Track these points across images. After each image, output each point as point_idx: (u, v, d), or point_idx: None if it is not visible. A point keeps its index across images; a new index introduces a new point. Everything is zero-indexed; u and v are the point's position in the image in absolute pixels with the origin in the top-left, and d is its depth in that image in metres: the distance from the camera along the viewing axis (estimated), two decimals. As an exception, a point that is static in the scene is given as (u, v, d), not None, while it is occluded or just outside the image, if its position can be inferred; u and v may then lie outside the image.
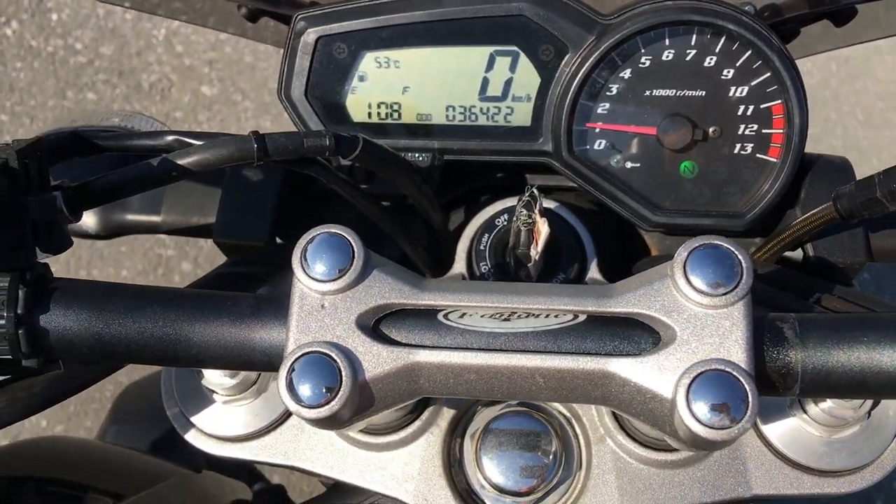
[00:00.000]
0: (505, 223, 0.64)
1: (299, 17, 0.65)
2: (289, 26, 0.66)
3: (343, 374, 0.43)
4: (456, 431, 0.60)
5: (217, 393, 0.61)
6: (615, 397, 0.43)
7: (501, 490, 0.56)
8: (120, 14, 2.62)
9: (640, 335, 0.43)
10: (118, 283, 0.47)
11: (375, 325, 0.45)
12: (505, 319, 0.44)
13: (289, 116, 0.66)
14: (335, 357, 0.43)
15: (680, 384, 0.41)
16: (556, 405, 0.60)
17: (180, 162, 0.51)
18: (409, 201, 0.65)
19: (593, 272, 0.63)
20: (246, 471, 0.97)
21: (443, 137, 0.65)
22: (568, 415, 0.60)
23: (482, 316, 0.44)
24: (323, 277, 0.44)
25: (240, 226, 0.66)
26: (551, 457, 0.57)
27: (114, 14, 2.62)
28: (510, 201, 0.66)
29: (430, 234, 0.70)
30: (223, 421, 0.61)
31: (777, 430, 0.57)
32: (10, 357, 0.44)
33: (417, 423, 0.59)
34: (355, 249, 0.45)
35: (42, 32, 2.55)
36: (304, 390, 0.43)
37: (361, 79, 0.65)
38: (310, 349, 0.43)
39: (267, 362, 0.45)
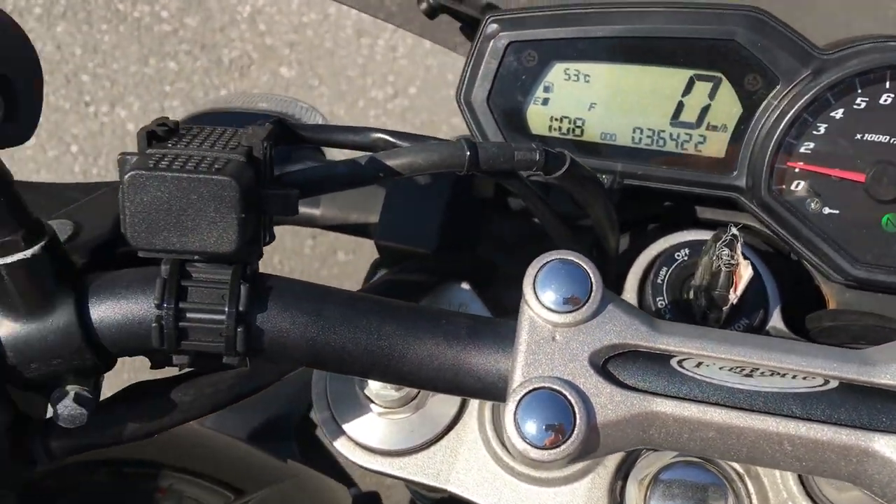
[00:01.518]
0: (685, 258, 0.61)
1: (491, 19, 0.62)
2: (475, 28, 0.63)
3: (577, 415, 0.39)
4: (619, 474, 0.57)
5: (375, 403, 0.58)
6: (870, 477, 0.39)
7: None
8: (208, -13, 2.61)
9: None
10: (328, 287, 0.44)
11: (604, 365, 0.42)
12: (747, 375, 0.41)
13: (465, 122, 0.63)
14: (569, 396, 0.40)
15: None
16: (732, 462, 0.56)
17: (388, 163, 0.48)
18: (579, 221, 0.62)
19: (776, 320, 0.60)
20: (335, 470, 0.94)
21: (626, 160, 0.62)
22: (741, 471, 0.56)
23: (720, 368, 0.41)
24: (556, 308, 0.41)
25: (406, 230, 0.63)
26: None
27: (202, -14, 2.61)
28: (690, 235, 0.62)
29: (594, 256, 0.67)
30: (377, 433, 0.58)
31: None
32: (215, 352, 0.42)
33: (584, 462, 0.56)
34: (593, 281, 0.42)
35: (131, -3, 2.55)
36: (532, 428, 0.40)
37: (547, 90, 0.62)
38: (541, 384, 0.40)
39: (484, 390, 0.43)
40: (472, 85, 0.63)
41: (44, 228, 0.41)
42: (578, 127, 0.63)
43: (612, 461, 0.56)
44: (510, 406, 0.40)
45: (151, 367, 0.46)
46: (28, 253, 0.40)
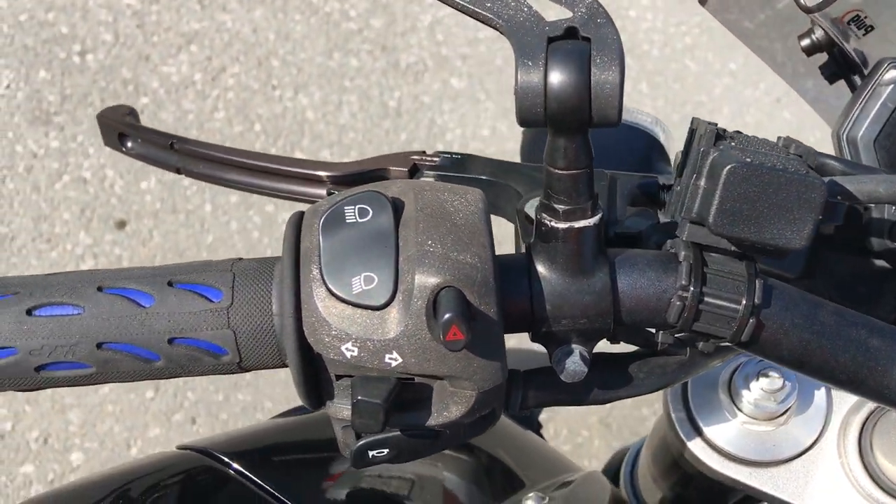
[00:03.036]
0: None
1: (892, 63, 0.64)
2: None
3: None
4: None
5: (743, 412, 0.60)
6: None
7: None
8: (402, -8, 2.70)
9: None
10: (821, 300, 0.46)
11: None
12: None
13: (843, 156, 0.65)
14: None
15: None
16: None
17: (849, 188, 0.50)
18: None
19: None
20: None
21: None
22: None
23: None
24: None
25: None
26: None
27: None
28: None
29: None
30: (737, 440, 0.60)
31: None
32: (720, 336, 0.44)
33: None
34: None
35: (326, -8, 2.65)
36: None
37: (935, 140, 0.64)
38: None
39: None
40: (860, 122, 0.65)
41: (601, 205, 0.44)
42: (960, 179, 0.64)
43: None
44: None
45: (611, 342, 0.49)
46: (591, 221, 0.43)
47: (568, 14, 0.41)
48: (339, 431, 0.46)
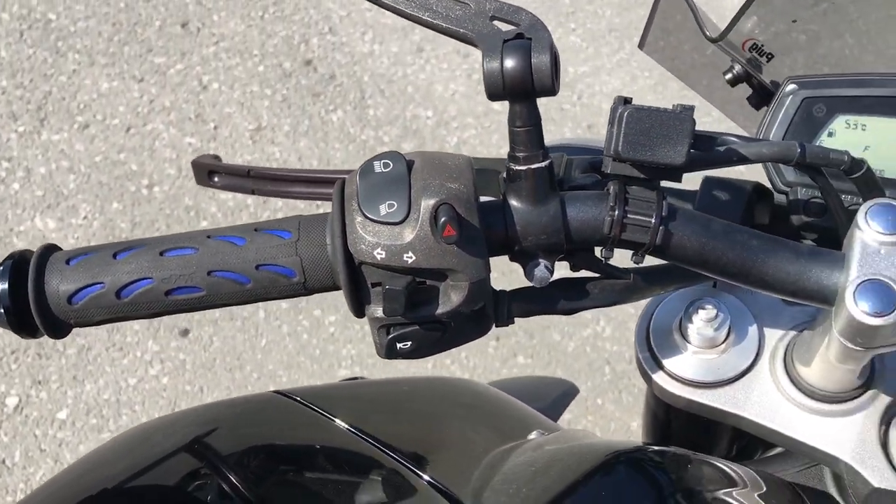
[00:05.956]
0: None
1: (791, 80, 0.84)
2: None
3: None
4: (884, 418, 0.72)
5: (692, 343, 0.76)
6: None
7: None
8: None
9: None
10: (712, 217, 0.64)
11: None
12: None
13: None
14: (893, 286, 0.58)
15: None
16: None
17: (742, 151, 0.69)
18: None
19: None
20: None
21: (892, 189, 0.81)
22: None
23: None
24: (883, 231, 0.60)
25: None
26: None
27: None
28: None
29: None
30: (689, 368, 0.76)
31: None
32: (641, 244, 0.62)
33: (858, 402, 0.71)
34: None
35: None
36: (866, 306, 0.58)
37: (830, 135, 0.83)
38: (873, 277, 0.58)
39: (818, 293, 0.61)
40: (772, 127, 0.84)
41: (549, 154, 0.64)
42: (854, 163, 0.82)
43: (881, 405, 0.72)
44: (850, 289, 0.58)
45: (572, 269, 0.67)
46: (542, 164, 0.62)
47: (515, 27, 0.62)
48: (375, 332, 0.64)
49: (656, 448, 0.82)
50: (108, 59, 3.06)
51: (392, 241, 0.60)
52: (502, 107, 3.31)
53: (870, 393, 0.72)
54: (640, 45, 0.90)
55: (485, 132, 2.93)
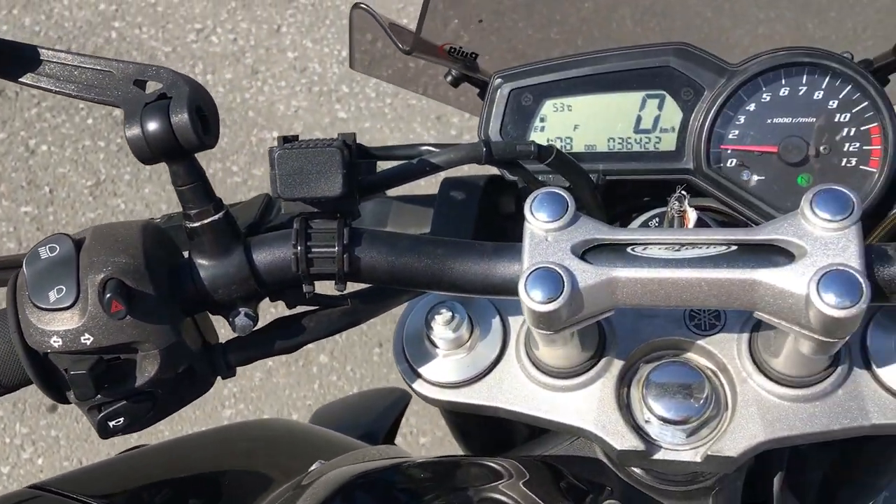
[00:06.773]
0: (657, 224, 0.82)
1: (497, 74, 0.87)
2: (485, 88, 0.88)
3: (564, 282, 0.60)
4: (622, 381, 0.76)
5: (439, 347, 0.78)
6: (761, 299, 0.59)
7: (664, 420, 0.72)
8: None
9: (779, 254, 0.60)
10: (400, 233, 0.66)
11: (583, 254, 0.63)
12: (676, 250, 0.62)
13: (486, 151, 0.87)
14: (559, 271, 0.61)
15: (811, 281, 0.57)
16: (705, 360, 0.75)
17: (433, 160, 0.71)
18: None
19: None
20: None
21: (605, 162, 0.85)
22: (714, 368, 0.75)
23: (659, 248, 0.62)
24: (548, 219, 0.63)
25: (449, 231, 0.86)
26: (704, 396, 0.72)
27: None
28: (660, 210, 0.84)
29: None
30: (443, 371, 0.79)
31: (891, 373, 0.71)
32: (331, 273, 0.64)
33: (593, 372, 0.75)
34: (568, 201, 0.64)
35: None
36: (537, 294, 0.60)
37: (542, 120, 0.86)
38: (541, 265, 0.61)
39: (503, 286, 0.64)
40: (489, 123, 0.87)
41: (223, 204, 0.64)
42: (568, 143, 0.86)
43: (616, 370, 0.75)
44: (522, 280, 0.61)
45: (288, 307, 0.68)
46: (216, 217, 0.63)
47: (160, 86, 0.62)
48: (86, 415, 0.64)
49: (422, 460, 0.84)
50: (-75, 142, 2.93)
51: (66, 326, 0.60)
52: (347, 114, 3.32)
53: (603, 361, 0.75)
54: (351, 65, 0.92)
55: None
